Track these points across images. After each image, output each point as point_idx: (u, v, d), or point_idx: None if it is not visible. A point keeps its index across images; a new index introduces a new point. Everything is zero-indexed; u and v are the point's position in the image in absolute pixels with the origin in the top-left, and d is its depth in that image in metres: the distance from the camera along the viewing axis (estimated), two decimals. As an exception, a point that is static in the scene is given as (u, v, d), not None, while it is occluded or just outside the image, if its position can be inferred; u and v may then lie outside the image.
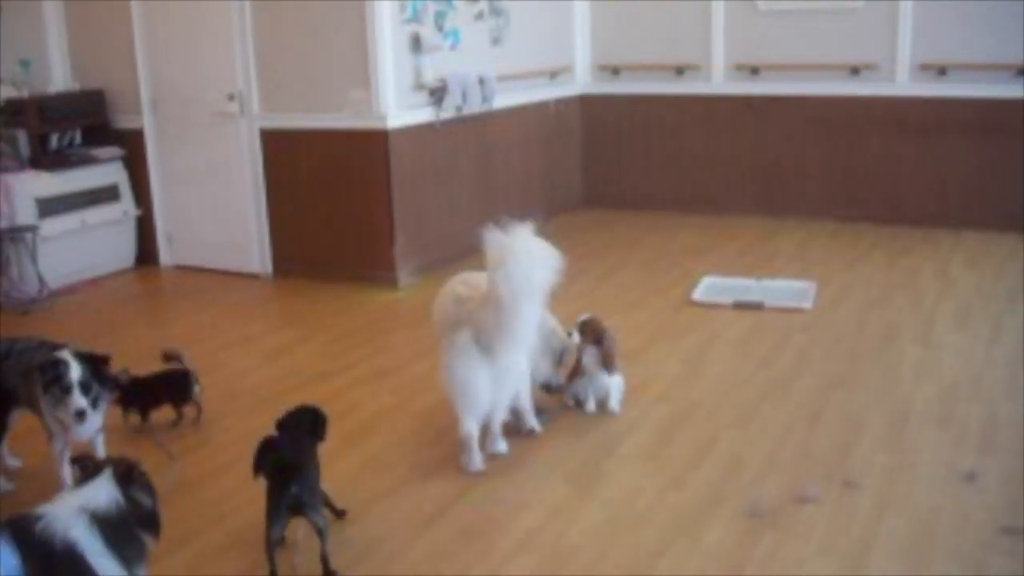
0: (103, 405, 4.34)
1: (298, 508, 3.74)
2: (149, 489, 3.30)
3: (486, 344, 4.50)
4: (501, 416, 4.75)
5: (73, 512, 3.05)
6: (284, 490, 3.73)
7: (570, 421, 5.16)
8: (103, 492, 3.14)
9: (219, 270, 8.32)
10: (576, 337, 5.12)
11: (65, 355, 4.18)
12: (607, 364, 5.18)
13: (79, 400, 4.12)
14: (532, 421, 4.98)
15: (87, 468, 3.27)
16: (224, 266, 8.32)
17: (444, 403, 5.07)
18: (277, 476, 3.79)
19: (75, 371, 4.12)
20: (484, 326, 4.49)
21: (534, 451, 4.85)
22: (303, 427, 4.11)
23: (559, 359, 5.26)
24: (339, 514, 4.20)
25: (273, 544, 3.75)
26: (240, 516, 4.29)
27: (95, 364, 4.23)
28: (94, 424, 4.33)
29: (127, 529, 3.15)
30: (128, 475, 3.23)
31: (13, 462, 4.73)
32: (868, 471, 4.49)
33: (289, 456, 3.87)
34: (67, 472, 4.32)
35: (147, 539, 3.24)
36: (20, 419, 4.61)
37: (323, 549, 3.77)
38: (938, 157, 8.98)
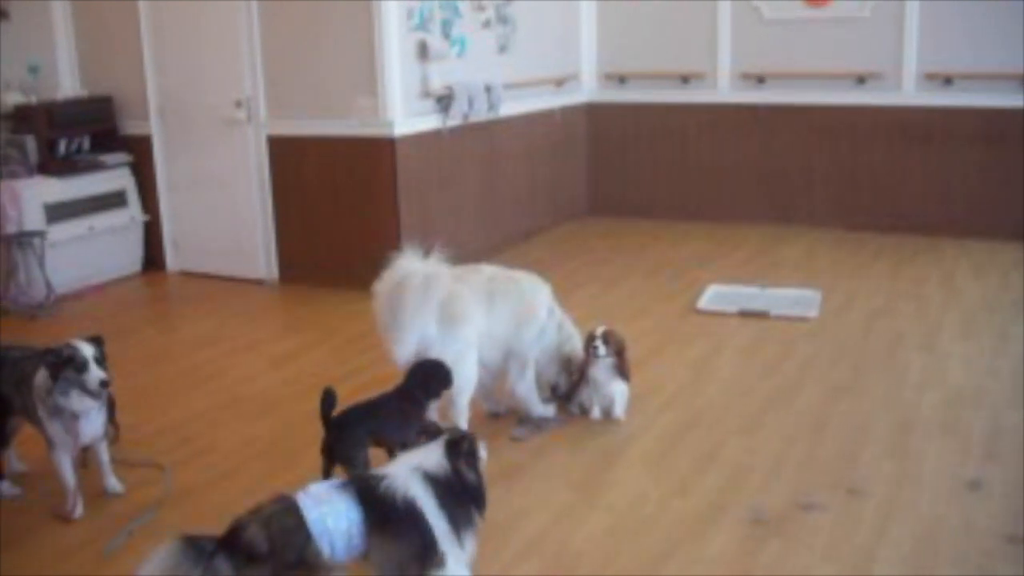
0: (104, 399, 4.34)
1: (333, 457, 4.16)
2: (474, 465, 3.48)
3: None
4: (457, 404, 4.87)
5: (409, 472, 3.37)
6: (326, 438, 4.16)
7: (575, 428, 5.17)
8: (433, 456, 3.43)
9: (225, 276, 8.34)
10: (602, 349, 5.11)
11: (71, 341, 4.21)
12: (624, 375, 5.20)
13: (98, 372, 4.15)
14: (460, 421, 4.89)
15: (429, 432, 3.59)
16: (230, 272, 8.34)
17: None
18: (326, 426, 4.19)
19: (87, 349, 4.17)
20: None
21: (539, 458, 4.87)
22: (415, 380, 4.50)
23: (568, 364, 5.31)
24: None
25: None
26: (246, 521, 4.30)
27: (100, 346, 4.28)
28: (97, 424, 4.35)
29: (456, 495, 3.40)
30: (456, 447, 3.45)
31: (19, 466, 4.75)
32: (873, 479, 4.49)
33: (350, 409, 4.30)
34: (70, 478, 4.35)
35: (475, 513, 3.44)
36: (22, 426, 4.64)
37: None
38: (944, 166, 8.99)
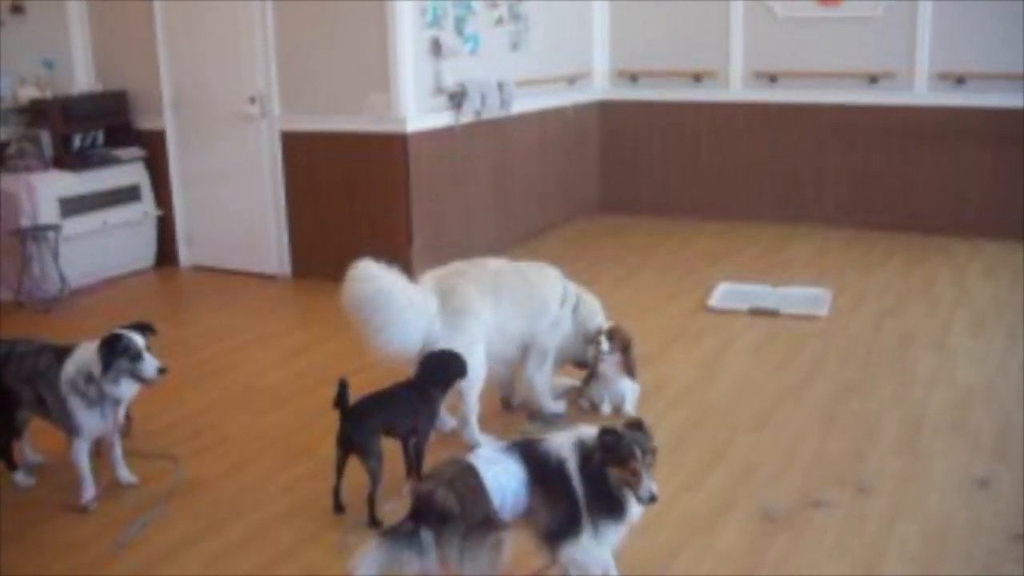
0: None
1: (348, 446, 4.19)
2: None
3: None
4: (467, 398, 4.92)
5: (567, 439, 3.54)
6: (341, 428, 4.20)
7: (585, 424, 5.17)
8: (590, 432, 3.53)
9: (238, 271, 8.38)
10: (606, 345, 5.15)
11: (120, 331, 4.32)
12: (631, 372, 5.22)
13: (153, 360, 4.29)
14: (470, 416, 4.98)
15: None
16: (243, 267, 8.38)
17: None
18: (341, 415, 4.22)
19: (138, 338, 4.31)
20: None
21: (549, 453, 4.88)
22: (428, 370, 4.55)
23: (592, 339, 5.29)
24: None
25: (336, 476, 4.23)
26: (257, 513, 4.34)
27: (147, 333, 4.42)
28: (122, 412, 4.43)
29: (603, 474, 3.43)
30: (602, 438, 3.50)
31: (34, 458, 4.78)
32: (881, 476, 4.51)
33: (364, 399, 4.34)
34: (88, 469, 4.39)
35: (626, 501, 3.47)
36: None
37: (370, 491, 4.13)
38: (955, 166, 8.98)
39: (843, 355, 6.12)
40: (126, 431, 5.00)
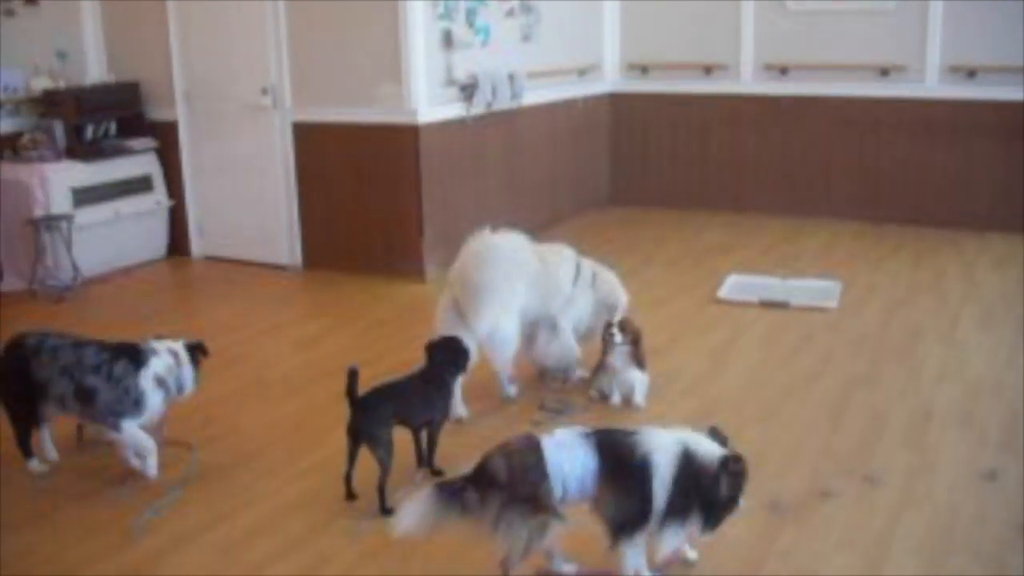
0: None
1: (358, 435, 4.23)
2: (738, 485, 3.52)
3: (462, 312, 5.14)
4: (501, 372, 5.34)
5: (672, 446, 3.50)
6: (351, 417, 4.24)
7: (595, 415, 5.21)
8: (704, 447, 3.53)
9: (249, 261, 8.42)
10: (619, 337, 5.19)
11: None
12: (640, 364, 5.26)
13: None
14: (507, 388, 5.41)
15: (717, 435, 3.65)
16: (254, 257, 8.42)
17: (470, 394, 5.18)
18: (351, 406, 4.25)
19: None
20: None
21: (559, 443, 4.91)
22: (439, 358, 4.61)
23: (612, 313, 5.51)
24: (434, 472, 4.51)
25: (347, 464, 4.29)
26: (269, 501, 4.38)
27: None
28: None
29: (700, 485, 3.46)
30: (731, 462, 3.51)
31: (52, 454, 4.77)
32: (889, 468, 4.53)
33: (375, 389, 4.37)
34: (147, 442, 4.54)
35: (697, 520, 3.51)
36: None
37: (380, 480, 4.17)
38: (966, 159, 8.98)
39: (852, 347, 6.14)
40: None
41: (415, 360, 6.03)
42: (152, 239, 8.64)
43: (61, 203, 7.72)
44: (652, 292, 7.31)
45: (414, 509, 3.41)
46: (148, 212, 8.51)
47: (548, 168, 9.43)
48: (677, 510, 3.48)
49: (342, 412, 4.28)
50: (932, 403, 5.26)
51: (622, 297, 5.63)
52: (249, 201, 8.36)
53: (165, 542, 4.05)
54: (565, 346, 5.48)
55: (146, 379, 4.49)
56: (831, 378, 5.65)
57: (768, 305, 6.94)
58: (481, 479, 3.46)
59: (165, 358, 4.55)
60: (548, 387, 5.56)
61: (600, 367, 5.35)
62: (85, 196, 7.91)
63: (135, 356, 4.52)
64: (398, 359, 6.10)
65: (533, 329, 5.42)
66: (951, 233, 8.82)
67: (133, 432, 4.51)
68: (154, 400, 4.53)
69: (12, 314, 6.99)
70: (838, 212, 9.46)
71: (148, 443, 4.54)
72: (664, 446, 3.51)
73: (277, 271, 8.22)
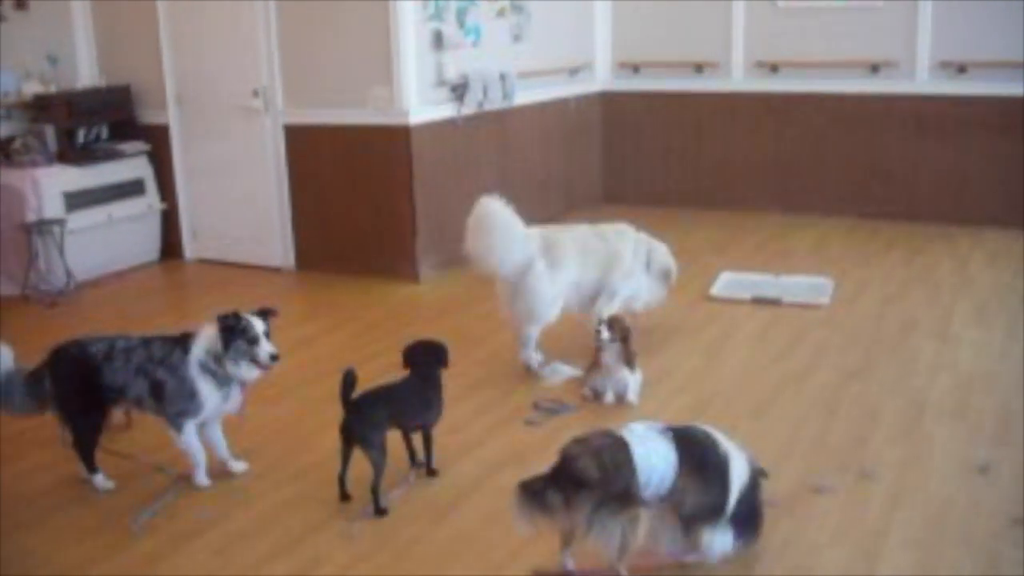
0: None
1: (350, 437, 4.24)
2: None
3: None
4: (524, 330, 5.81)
5: (733, 444, 3.76)
6: (344, 419, 4.25)
7: (589, 413, 5.23)
8: (742, 460, 3.74)
9: (243, 264, 8.42)
10: (606, 333, 5.20)
11: (239, 312, 4.42)
12: (629, 361, 5.27)
13: (268, 346, 4.39)
14: (528, 349, 5.82)
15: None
16: (248, 260, 8.42)
17: (463, 394, 5.19)
18: (345, 407, 4.27)
19: (259, 324, 4.40)
20: None
21: (552, 442, 4.89)
22: (424, 359, 4.56)
23: (667, 276, 6.25)
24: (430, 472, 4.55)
25: (341, 465, 4.31)
26: (264, 501, 4.39)
27: (268, 319, 4.50)
28: (236, 400, 4.52)
29: (751, 496, 3.72)
30: (759, 474, 3.82)
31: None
32: (883, 462, 4.54)
33: (369, 392, 4.38)
34: (200, 450, 4.49)
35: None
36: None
37: (373, 482, 4.17)
38: (957, 154, 9.00)
39: (845, 343, 6.15)
40: (126, 425, 5.05)
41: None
42: (145, 242, 8.63)
43: (53, 207, 7.71)
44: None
45: (516, 515, 3.49)
46: (141, 215, 8.51)
47: (540, 167, 9.44)
48: (739, 513, 3.68)
49: (336, 413, 4.28)
50: (925, 397, 5.27)
51: (674, 266, 6.29)
52: (241, 203, 8.36)
53: (162, 543, 4.05)
54: (634, 297, 6.12)
55: (193, 367, 4.36)
56: (824, 373, 5.66)
57: (761, 302, 6.95)
58: (567, 479, 3.45)
59: (204, 344, 4.38)
60: (541, 387, 5.56)
61: (593, 366, 5.36)
62: (77, 200, 7.90)
63: (186, 345, 4.41)
64: (392, 360, 6.06)
65: (595, 295, 5.96)
66: (944, 228, 8.84)
67: (191, 435, 4.44)
68: (206, 390, 4.38)
69: (6, 320, 6.98)
70: (830, 209, 9.47)
71: (199, 454, 4.48)
72: (738, 452, 3.74)
73: (271, 273, 8.22)
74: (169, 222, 8.74)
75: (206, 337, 4.39)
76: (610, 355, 5.25)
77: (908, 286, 7.29)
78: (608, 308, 5.85)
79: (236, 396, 4.50)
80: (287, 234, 8.23)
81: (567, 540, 3.60)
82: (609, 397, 5.31)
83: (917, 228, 8.91)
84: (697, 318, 6.73)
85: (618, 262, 5.99)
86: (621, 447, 3.52)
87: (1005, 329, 6.29)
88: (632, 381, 5.30)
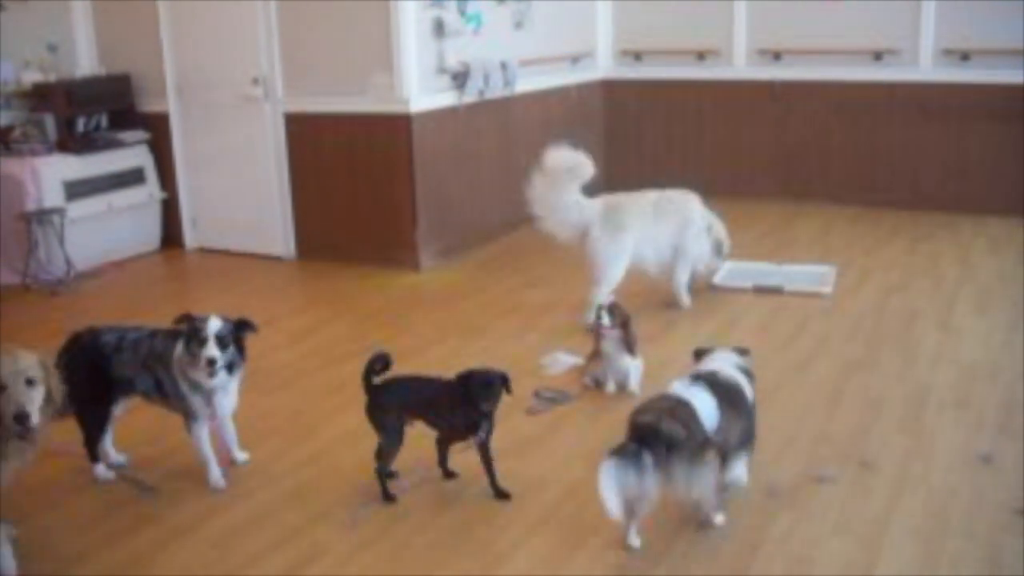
0: (237, 376, 4.34)
1: (368, 417, 4.27)
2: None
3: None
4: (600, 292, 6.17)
5: (734, 366, 4.17)
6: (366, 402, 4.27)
7: (590, 402, 5.22)
8: (730, 358, 4.24)
9: (243, 252, 8.40)
10: (607, 320, 5.18)
11: (195, 314, 4.25)
12: (630, 348, 5.25)
13: (211, 350, 4.11)
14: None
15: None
16: (248, 248, 8.40)
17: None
18: (364, 388, 4.28)
19: (213, 325, 4.16)
20: None
21: (554, 431, 4.92)
22: (466, 390, 4.19)
23: (720, 247, 6.81)
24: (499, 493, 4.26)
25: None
26: (264, 492, 4.37)
27: (239, 328, 4.28)
28: (233, 399, 4.40)
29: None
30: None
31: (119, 458, 4.67)
32: (885, 452, 4.53)
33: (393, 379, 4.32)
34: (209, 451, 4.40)
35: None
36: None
37: (377, 466, 4.24)
38: (960, 143, 8.96)
39: (847, 332, 6.13)
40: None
41: (410, 349, 6.05)
42: (145, 231, 8.62)
43: (53, 197, 7.70)
44: (646, 278, 7.28)
45: (607, 486, 3.59)
46: (141, 204, 8.49)
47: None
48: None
49: (335, 403, 4.29)
50: (928, 387, 5.25)
51: (726, 239, 6.84)
52: (242, 192, 8.34)
53: (160, 535, 4.04)
54: (699, 258, 6.72)
55: (175, 367, 4.27)
56: (826, 363, 5.64)
57: (763, 291, 6.93)
58: (656, 443, 3.64)
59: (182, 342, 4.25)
60: (542, 377, 5.54)
61: (594, 355, 5.34)
62: (77, 189, 7.90)
63: (176, 340, 4.29)
64: (393, 348, 6.07)
65: (672, 252, 6.60)
66: (946, 217, 8.81)
67: (200, 436, 4.38)
68: (185, 389, 4.28)
69: (6, 309, 6.98)
70: (833, 197, 9.44)
71: (208, 456, 4.41)
72: (736, 370, 4.13)
73: (271, 262, 8.21)
74: (169, 211, 8.73)
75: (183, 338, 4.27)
76: (610, 344, 5.23)
77: (911, 275, 7.26)
78: (684, 270, 6.64)
79: (224, 400, 4.35)
80: (287, 223, 8.21)
81: (634, 513, 3.73)
82: (610, 386, 5.30)
83: (920, 216, 8.88)
84: (699, 307, 6.71)
85: (690, 223, 6.60)
86: (684, 403, 3.80)
87: (1007, 318, 6.27)
88: (633, 370, 5.28)
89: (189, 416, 4.34)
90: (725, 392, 3.97)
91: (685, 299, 6.70)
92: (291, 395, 5.46)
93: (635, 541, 3.79)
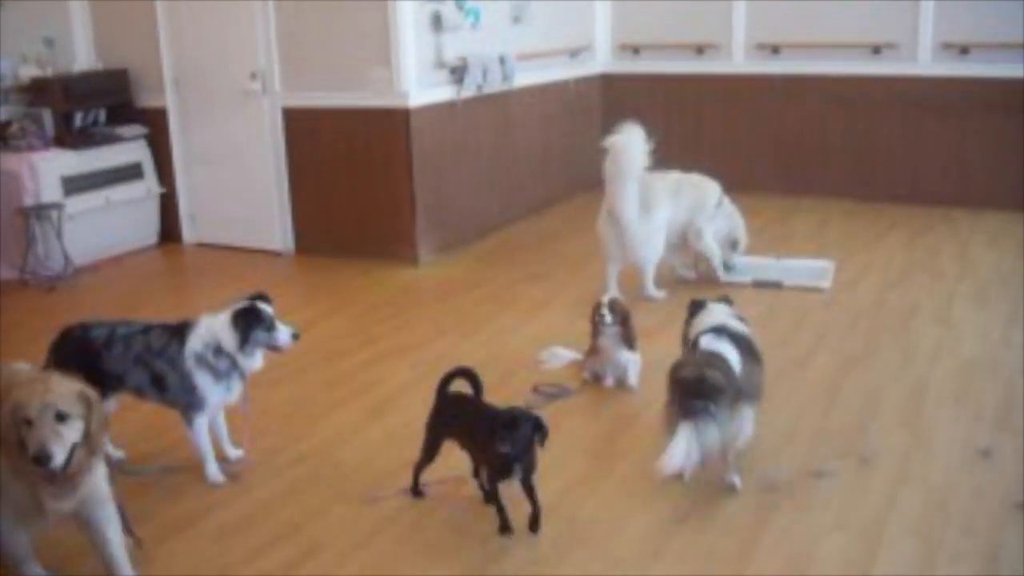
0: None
1: None
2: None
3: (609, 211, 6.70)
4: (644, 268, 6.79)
5: (727, 314, 4.53)
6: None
7: (589, 397, 5.22)
8: (726, 310, 4.60)
9: (242, 247, 8.39)
10: (609, 317, 5.18)
11: (251, 303, 4.36)
12: (630, 343, 5.25)
13: (286, 328, 4.36)
14: (648, 284, 6.81)
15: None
16: (246, 244, 8.39)
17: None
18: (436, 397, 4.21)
19: (269, 309, 4.38)
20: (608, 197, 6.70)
21: (553, 425, 4.86)
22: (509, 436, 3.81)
23: (734, 244, 7.14)
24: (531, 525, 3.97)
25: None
26: (262, 488, 4.37)
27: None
28: (237, 390, 4.42)
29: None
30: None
31: (117, 454, 4.62)
32: (884, 447, 4.52)
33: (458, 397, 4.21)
34: (208, 445, 4.40)
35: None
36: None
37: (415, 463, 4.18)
38: (959, 137, 8.96)
39: (846, 327, 6.12)
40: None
41: (409, 344, 6.05)
42: (143, 226, 8.61)
43: (51, 192, 7.69)
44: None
45: (680, 448, 3.80)
46: (139, 199, 8.48)
47: (540, 150, 9.40)
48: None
49: (336, 398, 4.29)
50: (927, 381, 5.25)
51: (743, 237, 7.11)
52: (240, 187, 8.33)
53: (159, 530, 4.03)
54: (708, 245, 7.02)
55: (189, 360, 4.25)
56: (825, 358, 5.64)
57: (761, 285, 6.92)
58: (710, 392, 3.90)
59: (201, 336, 4.27)
60: (541, 371, 5.54)
61: (592, 350, 5.33)
62: (75, 184, 7.88)
63: (183, 334, 4.29)
64: (391, 344, 6.10)
65: (685, 233, 6.97)
66: (945, 211, 8.81)
67: (201, 430, 4.35)
68: (204, 384, 4.28)
69: (4, 304, 6.97)
70: (831, 191, 9.44)
71: (207, 450, 4.39)
72: (745, 328, 4.44)
73: (270, 257, 8.20)
74: (167, 206, 8.71)
75: (205, 329, 4.28)
76: (608, 339, 5.23)
77: (909, 269, 7.26)
78: (703, 243, 6.99)
79: (237, 387, 4.39)
80: (286, 218, 8.20)
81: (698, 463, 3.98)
82: (609, 381, 5.30)
83: (918, 210, 8.88)
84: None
85: (703, 206, 6.94)
86: (718, 355, 4.11)
87: (1006, 313, 6.26)
88: (632, 364, 5.27)
89: (191, 409, 4.32)
90: (743, 344, 4.27)
91: (719, 262, 7.07)
92: (289, 390, 5.45)
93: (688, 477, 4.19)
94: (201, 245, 8.67)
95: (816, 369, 5.49)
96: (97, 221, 8.07)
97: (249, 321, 4.27)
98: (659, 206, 6.73)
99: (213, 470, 4.41)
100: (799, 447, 4.57)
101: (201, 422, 4.36)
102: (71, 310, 6.41)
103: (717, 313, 4.51)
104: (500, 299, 6.91)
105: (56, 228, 7.58)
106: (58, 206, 7.62)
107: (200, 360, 4.25)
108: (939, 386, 5.19)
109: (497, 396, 5.14)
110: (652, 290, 6.79)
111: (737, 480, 4.16)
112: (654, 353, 5.56)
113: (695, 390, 3.90)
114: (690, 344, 4.41)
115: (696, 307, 4.66)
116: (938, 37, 8.84)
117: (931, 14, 8.82)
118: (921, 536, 3.80)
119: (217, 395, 4.32)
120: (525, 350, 5.79)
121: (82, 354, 4.29)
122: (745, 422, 4.12)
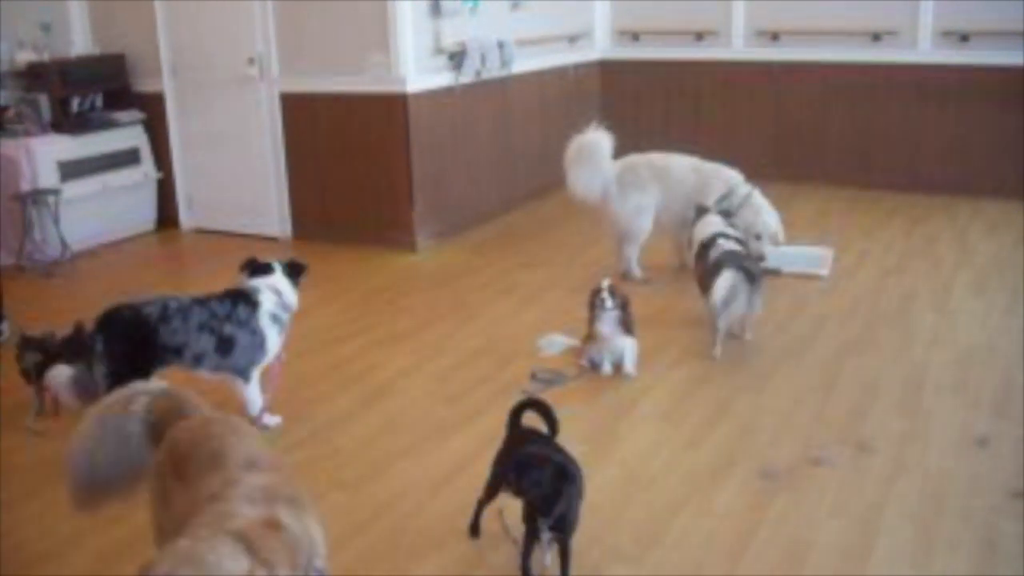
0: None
1: None
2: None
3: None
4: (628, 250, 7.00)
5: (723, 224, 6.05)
6: None
7: (587, 383, 5.21)
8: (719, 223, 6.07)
9: (239, 233, 8.37)
10: (609, 301, 5.17)
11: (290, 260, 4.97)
12: (628, 329, 5.24)
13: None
14: (631, 264, 7.00)
15: None
16: (244, 229, 8.37)
17: (461, 365, 5.16)
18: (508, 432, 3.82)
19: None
20: None
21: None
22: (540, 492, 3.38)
23: (757, 241, 6.81)
24: None
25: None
26: (260, 474, 4.35)
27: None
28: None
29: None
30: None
31: None
32: (882, 435, 4.52)
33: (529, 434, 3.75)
34: (260, 396, 4.77)
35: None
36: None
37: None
38: (959, 124, 8.93)
39: (844, 314, 6.12)
40: (55, 409, 4.94)
41: (406, 330, 6.04)
42: (141, 212, 8.59)
43: (48, 177, 7.66)
44: (643, 259, 7.27)
45: (728, 281, 5.29)
46: (136, 185, 8.46)
47: (539, 136, 9.37)
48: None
49: (330, 385, 4.27)
50: (925, 369, 5.25)
51: (768, 227, 6.58)
52: (238, 172, 8.31)
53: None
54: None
55: (264, 319, 4.68)
56: (823, 345, 5.64)
57: (760, 272, 6.92)
58: (751, 269, 5.42)
59: (270, 295, 4.73)
60: (538, 358, 5.54)
61: (589, 336, 5.33)
62: (72, 170, 7.85)
63: (249, 299, 4.69)
64: (388, 330, 6.09)
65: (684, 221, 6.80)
66: (944, 199, 8.79)
67: (256, 383, 4.73)
68: (272, 338, 4.72)
69: (1, 290, 6.94)
70: (830, 179, 9.42)
71: (259, 399, 4.75)
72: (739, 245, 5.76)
73: (267, 242, 8.18)
74: (165, 191, 8.69)
75: (268, 289, 4.74)
76: (607, 323, 5.22)
77: (908, 257, 7.25)
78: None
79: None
80: (283, 203, 8.19)
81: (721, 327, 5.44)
82: (607, 367, 5.29)
83: (917, 198, 8.86)
84: (695, 289, 6.67)
85: (705, 195, 6.70)
86: (738, 248, 5.63)
87: (1004, 301, 6.26)
88: (629, 350, 5.27)
89: (253, 365, 4.70)
90: (751, 269, 5.45)
91: (635, 270, 7.02)
92: (287, 375, 5.42)
93: (718, 351, 5.44)
94: (198, 230, 8.65)
95: (814, 356, 5.48)
96: (94, 206, 8.05)
97: (297, 272, 4.90)
98: (638, 188, 6.88)
99: (267, 415, 4.77)
100: (797, 434, 4.57)
101: (256, 376, 4.73)
102: (68, 296, 6.41)
103: (715, 224, 5.97)
104: (498, 285, 6.90)
105: (53, 213, 7.56)
106: (55, 191, 7.59)
107: (274, 317, 4.72)
108: (937, 374, 5.19)
109: (495, 383, 5.19)
110: (634, 268, 6.92)
111: (750, 335, 5.67)
112: (651, 339, 5.58)
113: (741, 264, 5.40)
114: (700, 245, 5.82)
115: (700, 211, 6.27)
116: (938, 24, 8.81)
117: (931, 1, 8.79)
118: (918, 524, 3.80)
119: (277, 346, 4.77)
120: (523, 337, 5.78)
121: (136, 332, 4.43)
122: (760, 298, 5.46)
